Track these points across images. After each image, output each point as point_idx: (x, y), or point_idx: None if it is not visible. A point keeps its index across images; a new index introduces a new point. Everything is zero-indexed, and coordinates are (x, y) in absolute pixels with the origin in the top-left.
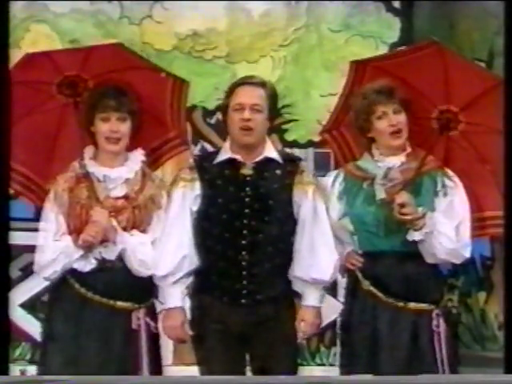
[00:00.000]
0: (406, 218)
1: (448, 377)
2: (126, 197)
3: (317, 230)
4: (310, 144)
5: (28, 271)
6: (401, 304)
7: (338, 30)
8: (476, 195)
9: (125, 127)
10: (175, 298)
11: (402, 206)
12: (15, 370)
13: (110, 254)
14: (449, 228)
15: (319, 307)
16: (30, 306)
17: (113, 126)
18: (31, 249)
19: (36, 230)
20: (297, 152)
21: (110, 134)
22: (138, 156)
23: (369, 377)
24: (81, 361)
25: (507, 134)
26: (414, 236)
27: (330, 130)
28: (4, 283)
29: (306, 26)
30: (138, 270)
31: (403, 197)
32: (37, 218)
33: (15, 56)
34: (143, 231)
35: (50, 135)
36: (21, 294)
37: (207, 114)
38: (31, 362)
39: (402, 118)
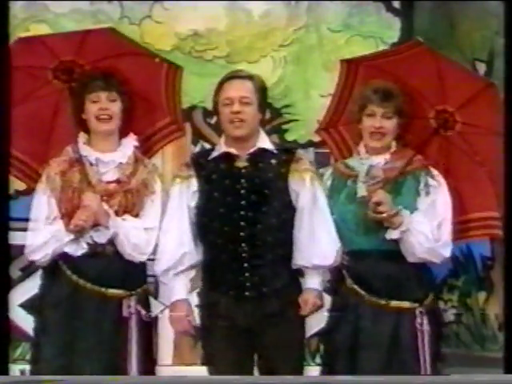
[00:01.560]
0: (381, 216)
1: (448, 377)
2: (117, 181)
3: (317, 216)
4: (309, 144)
5: (28, 271)
6: (383, 302)
7: (338, 30)
8: (469, 196)
9: (115, 107)
10: (179, 290)
11: (378, 204)
12: (15, 370)
13: (102, 237)
14: (427, 227)
15: (320, 290)
16: (30, 306)
17: (103, 104)
18: None
19: None
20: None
21: (100, 112)
22: (131, 141)
23: (368, 377)
24: (73, 350)
25: (507, 134)
26: (391, 235)
27: (327, 128)
28: (4, 283)
29: (306, 26)
30: (131, 255)
31: (379, 195)
32: None
33: None
34: (135, 216)
35: (46, 121)
36: (21, 294)
37: (207, 114)
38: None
39: (389, 124)
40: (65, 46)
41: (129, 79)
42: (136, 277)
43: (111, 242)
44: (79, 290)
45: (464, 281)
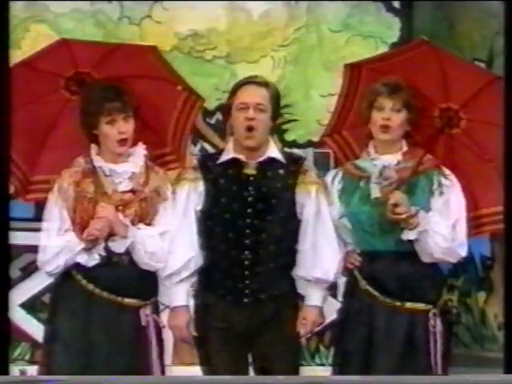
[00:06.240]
0: (400, 217)
1: (447, 377)
2: (132, 190)
3: (320, 229)
4: (309, 144)
5: (28, 271)
6: (397, 304)
7: (337, 30)
8: (478, 192)
9: (130, 126)
10: (180, 296)
11: (396, 205)
12: (15, 369)
13: (119, 247)
14: (444, 227)
15: (321, 307)
16: (30, 305)
17: (120, 127)
18: (31, 249)
19: (36, 229)
20: (296, 152)
21: (120, 136)
22: (140, 151)
23: (366, 377)
24: (88, 358)
25: (507, 133)
26: (408, 235)
27: (331, 134)
28: (4, 283)
29: (306, 26)
30: (148, 264)
31: (396, 196)
32: (37, 217)
33: (15, 56)
34: (149, 224)
35: (47, 126)
36: (21, 294)
37: (207, 113)
38: (31, 362)
39: (398, 118)
40: (88, 55)
41: (140, 102)
42: (150, 285)
43: (127, 252)
44: (95, 299)
45: (464, 281)
